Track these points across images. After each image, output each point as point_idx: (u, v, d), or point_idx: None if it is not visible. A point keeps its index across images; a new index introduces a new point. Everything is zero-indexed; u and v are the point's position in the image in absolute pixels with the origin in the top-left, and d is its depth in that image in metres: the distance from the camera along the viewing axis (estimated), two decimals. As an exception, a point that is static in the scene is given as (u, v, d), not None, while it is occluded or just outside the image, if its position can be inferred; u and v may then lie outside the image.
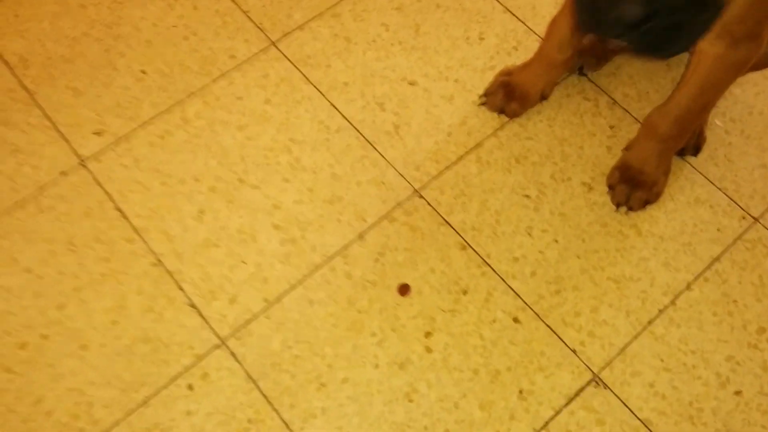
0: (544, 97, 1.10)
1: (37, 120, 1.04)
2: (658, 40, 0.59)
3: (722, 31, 0.77)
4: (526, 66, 1.08)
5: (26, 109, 1.05)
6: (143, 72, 1.09)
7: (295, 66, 1.12)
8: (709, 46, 0.83)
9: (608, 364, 0.93)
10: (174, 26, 1.14)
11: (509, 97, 1.07)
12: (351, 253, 0.98)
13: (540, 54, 1.06)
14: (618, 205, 1.03)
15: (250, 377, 0.89)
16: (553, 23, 1.01)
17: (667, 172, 1.04)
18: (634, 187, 1.02)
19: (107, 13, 1.14)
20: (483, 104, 1.09)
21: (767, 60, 0.94)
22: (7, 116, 1.04)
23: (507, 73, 1.10)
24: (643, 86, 1.14)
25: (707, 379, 0.93)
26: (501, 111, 1.09)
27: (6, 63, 1.09)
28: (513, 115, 1.08)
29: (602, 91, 1.13)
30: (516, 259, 0.99)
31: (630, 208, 1.03)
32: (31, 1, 1.14)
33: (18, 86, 1.06)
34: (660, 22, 0.54)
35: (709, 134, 1.10)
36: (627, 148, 1.06)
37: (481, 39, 1.17)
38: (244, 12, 1.16)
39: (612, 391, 0.92)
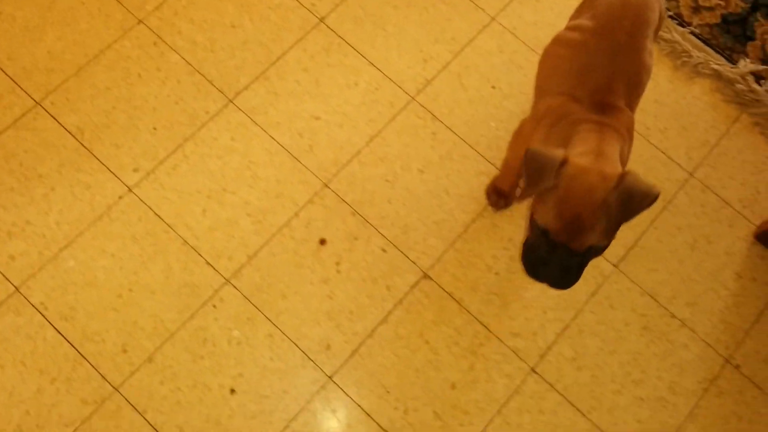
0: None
1: (96, 166, 1.75)
2: (560, 284, 1.30)
3: None
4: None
5: (87, 161, 1.76)
6: (155, 128, 1.80)
7: (246, 114, 1.85)
8: None
9: (435, 267, 1.76)
10: (168, 95, 1.84)
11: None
12: (292, 225, 1.76)
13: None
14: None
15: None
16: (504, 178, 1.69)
17: None
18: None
19: (126, 92, 1.83)
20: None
21: None
22: (78, 166, 1.75)
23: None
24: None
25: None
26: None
27: (68, 132, 1.78)
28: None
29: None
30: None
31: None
32: (85, 81, 1.82)
33: (80, 146, 1.76)
34: (563, 279, 1.27)
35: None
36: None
37: (356, 84, 1.92)
38: (209, 81, 1.87)
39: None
